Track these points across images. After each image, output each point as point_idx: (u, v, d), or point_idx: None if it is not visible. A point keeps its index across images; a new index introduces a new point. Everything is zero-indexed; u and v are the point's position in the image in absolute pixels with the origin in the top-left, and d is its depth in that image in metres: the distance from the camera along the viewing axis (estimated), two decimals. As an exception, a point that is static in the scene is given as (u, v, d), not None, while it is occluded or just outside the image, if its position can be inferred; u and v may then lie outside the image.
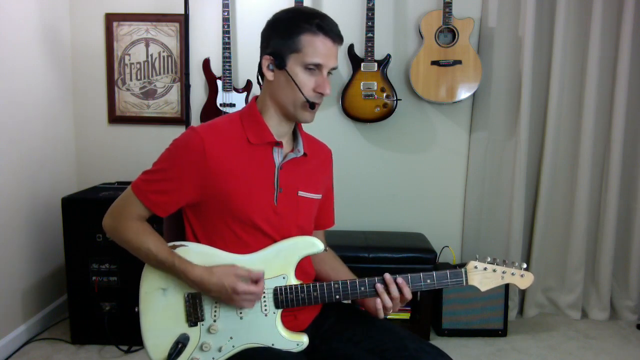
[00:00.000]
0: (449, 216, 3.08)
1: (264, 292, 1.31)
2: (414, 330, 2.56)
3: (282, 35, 1.31)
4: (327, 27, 1.29)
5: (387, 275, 1.32)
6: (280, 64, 1.30)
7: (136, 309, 1.32)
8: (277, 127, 1.38)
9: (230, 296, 1.25)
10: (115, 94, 2.99)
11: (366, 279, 1.33)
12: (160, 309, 1.31)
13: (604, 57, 2.82)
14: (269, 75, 1.34)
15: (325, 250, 1.36)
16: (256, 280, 1.26)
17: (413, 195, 3.06)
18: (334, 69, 1.34)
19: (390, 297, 1.32)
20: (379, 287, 1.32)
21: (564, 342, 2.71)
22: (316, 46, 1.28)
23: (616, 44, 2.81)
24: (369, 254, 2.60)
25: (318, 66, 1.30)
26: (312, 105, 1.32)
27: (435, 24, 2.78)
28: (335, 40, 1.31)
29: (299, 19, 1.30)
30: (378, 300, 1.32)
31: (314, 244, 1.34)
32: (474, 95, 2.91)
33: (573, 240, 2.95)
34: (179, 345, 1.28)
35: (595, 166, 2.93)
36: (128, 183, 2.85)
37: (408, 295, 1.32)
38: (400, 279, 1.32)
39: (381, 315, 1.33)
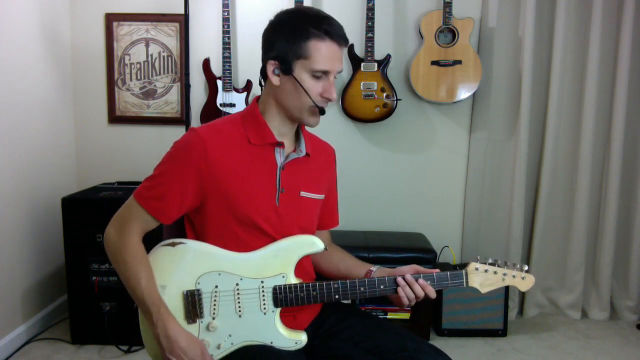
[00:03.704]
0: (449, 216, 3.08)
1: (263, 290, 1.30)
2: (413, 330, 2.56)
3: (287, 39, 1.28)
4: (334, 31, 1.28)
5: (400, 279, 1.33)
6: (286, 69, 1.29)
7: (135, 306, 1.32)
8: (279, 128, 1.38)
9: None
10: (115, 94, 2.99)
11: (366, 280, 1.33)
12: (159, 307, 1.31)
13: (604, 57, 2.82)
14: (275, 80, 1.31)
15: (325, 249, 1.35)
16: None
17: (413, 195, 3.06)
18: (340, 72, 1.34)
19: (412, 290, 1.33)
20: (400, 280, 1.32)
21: (564, 342, 2.71)
22: (323, 52, 1.27)
23: (616, 44, 2.81)
24: (369, 254, 2.60)
25: (325, 72, 1.30)
26: (322, 111, 1.32)
27: (435, 24, 2.78)
28: (342, 44, 1.31)
29: (305, 24, 1.27)
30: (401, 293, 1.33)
31: (314, 243, 1.34)
32: (474, 95, 2.91)
33: (573, 240, 2.94)
34: (178, 343, 1.28)
35: (595, 166, 2.93)
36: (128, 183, 2.89)
37: (429, 292, 1.33)
38: (402, 281, 1.32)
39: (405, 304, 1.33)
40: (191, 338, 1.27)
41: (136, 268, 1.27)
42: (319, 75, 1.29)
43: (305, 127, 1.45)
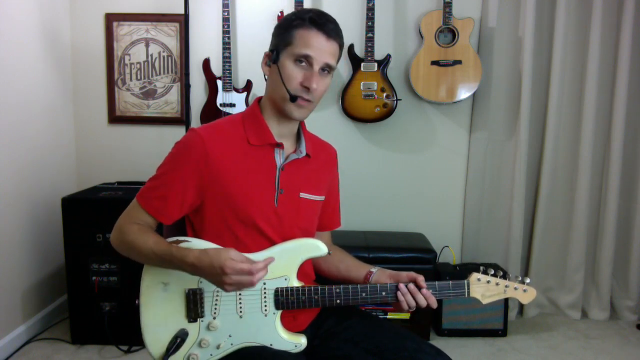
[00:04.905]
0: (449, 216, 3.08)
1: (265, 292, 1.30)
2: (414, 330, 2.56)
3: (280, 31, 1.33)
4: (320, 21, 1.29)
5: (402, 286, 1.33)
6: (275, 58, 1.32)
7: (137, 302, 1.32)
8: (278, 128, 1.38)
9: (220, 277, 1.17)
10: (115, 94, 2.99)
11: (368, 286, 1.33)
12: (160, 304, 1.31)
13: (604, 57, 2.83)
14: (266, 70, 1.36)
15: (329, 253, 1.34)
16: (255, 270, 1.17)
17: (413, 195, 3.06)
18: (331, 67, 1.31)
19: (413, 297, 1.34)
20: (402, 288, 1.33)
21: (564, 342, 2.71)
22: (307, 39, 1.28)
23: (616, 44, 2.81)
24: (369, 254, 2.60)
25: (308, 58, 1.28)
26: (293, 99, 1.29)
27: (435, 24, 2.78)
28: (330, 36, 1.30)
29: (296, 16, 1.32)
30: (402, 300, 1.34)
31: (318, 248, 1.34)
32: (474, 95, 2.91)
33: (573, 240, 2.95)
34: (178, 340, 1.27)
35: (595, 166, 2.93)
36: (128, 183, 2.89)
37: (432, 302, 1.35)
38: (404, 288, 1.33)
39: (405, 310, 1.34)
40: (211, 251, 1.18)
41: (142, 238, 1.26)
42: (302, 61, 1.29)
43: (306, 125, 1.46)
